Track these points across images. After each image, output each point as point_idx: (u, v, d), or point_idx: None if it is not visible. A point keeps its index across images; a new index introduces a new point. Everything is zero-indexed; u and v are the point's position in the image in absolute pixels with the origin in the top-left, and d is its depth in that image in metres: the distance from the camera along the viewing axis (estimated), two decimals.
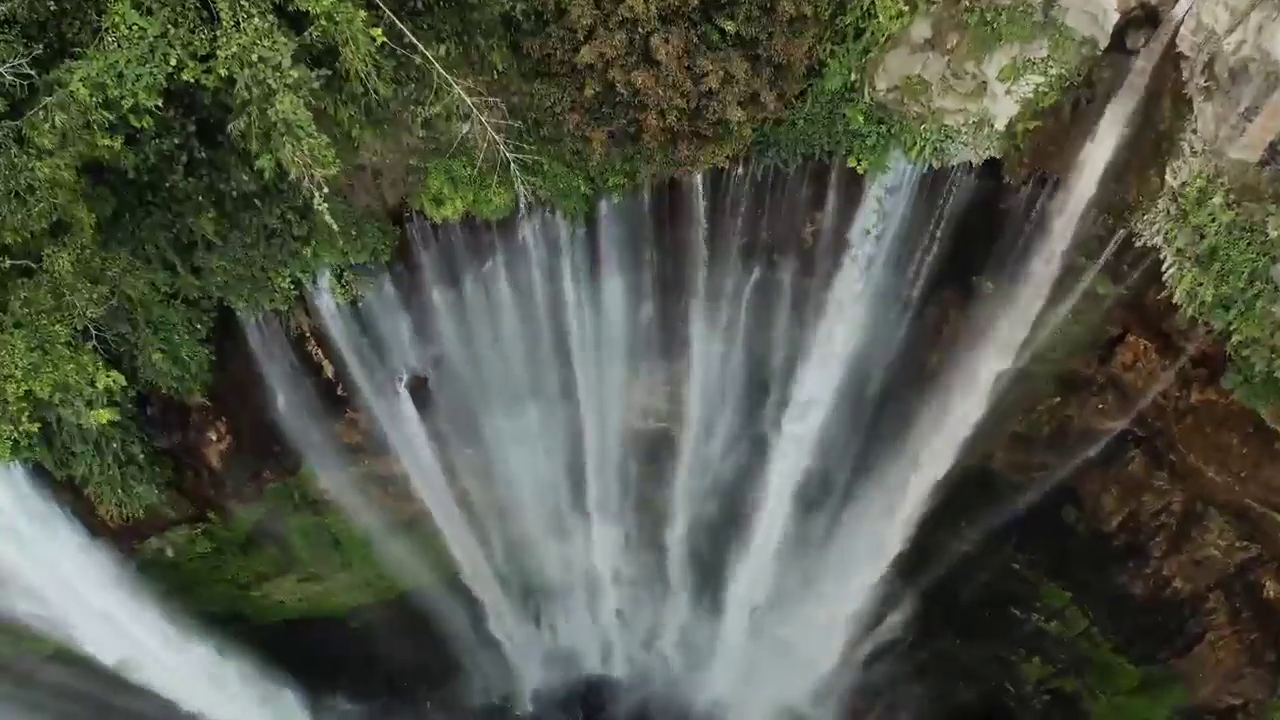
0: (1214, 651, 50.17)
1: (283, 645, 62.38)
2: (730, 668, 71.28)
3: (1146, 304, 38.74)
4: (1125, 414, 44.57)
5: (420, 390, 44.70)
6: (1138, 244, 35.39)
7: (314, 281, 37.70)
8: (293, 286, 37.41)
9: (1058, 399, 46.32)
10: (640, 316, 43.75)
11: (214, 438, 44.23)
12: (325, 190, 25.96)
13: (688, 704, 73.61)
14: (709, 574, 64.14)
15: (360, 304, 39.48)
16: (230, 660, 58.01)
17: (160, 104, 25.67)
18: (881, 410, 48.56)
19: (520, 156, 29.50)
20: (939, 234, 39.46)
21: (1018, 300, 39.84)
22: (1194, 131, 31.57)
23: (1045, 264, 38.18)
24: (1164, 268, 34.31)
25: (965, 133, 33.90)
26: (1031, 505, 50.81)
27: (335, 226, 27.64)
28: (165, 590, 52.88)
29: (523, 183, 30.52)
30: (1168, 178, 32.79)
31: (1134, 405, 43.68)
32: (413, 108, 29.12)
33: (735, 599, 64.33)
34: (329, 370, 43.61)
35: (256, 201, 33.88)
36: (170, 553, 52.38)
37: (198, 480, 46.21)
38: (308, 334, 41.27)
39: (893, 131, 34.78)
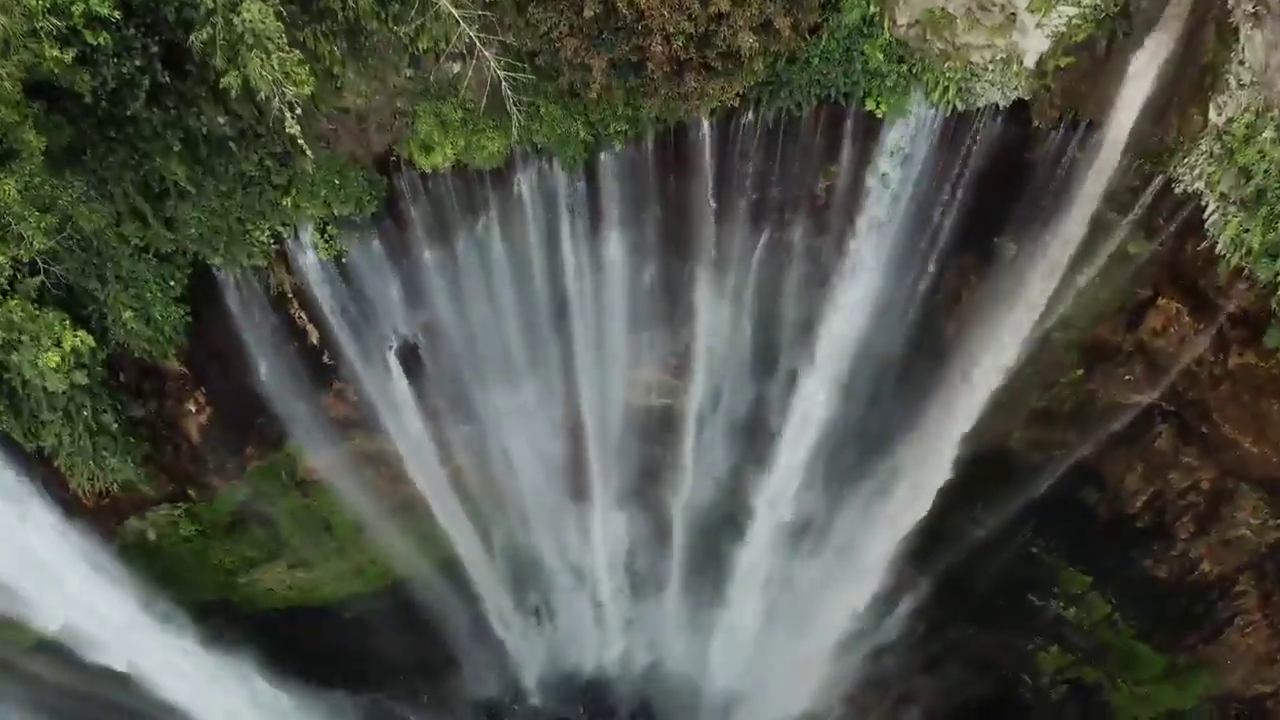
0: (1243, 637, 48.09)
1: (273, 636, 59.67)
2: (737, 659, 68.97)
3: (1182, 261, 36.69)
4: (1153, 385, 42.48)
5: (411, 359, 42.18)
6: (1177, 190, 33.14)
7: (295, 236, 35.42)
8: (272, 241, 35.12)
9: (1081, 371, 44.04)
10: (643, 281, 41.61)
11: (192, 408, 41.75)
12: (299, 112, 23.20)
13: (693, 697, 70.23)
14: (715, 560, 61.77)
15: (345, 261, 37.26)
16: (218, 651, 54.09)
17: (118, 16, 22.90)
18: (896, 385, 45.98)
19: (514, 77, 26.63)
20: (959, 190, 37.29)
21: (1042, 263, 37.47)
22: (1241, 63, 29.34)
23: (1073, 221, 35.77)
24: (1205, 214, 31.89)
25: (992, 71, 31.68)
26: (1051, 486, 48.49)
27: (309, 154, 25.24)
28: (149, 577, 49.96)
29: (516, 116, 27.62)
30: (1211, 115, 30.52)
31: (1164, 374, 41.52)
32: (396, 29, 26.26)
33: (741, 586, 61.84)
34: (314, 335, 41.16)
35: (232, 145, 31.48)
36: (152, 535, 49.95)
37: (176, 455, 43.72)
38: (290, 294, 38.95)
39: (914, 71, 32.66)
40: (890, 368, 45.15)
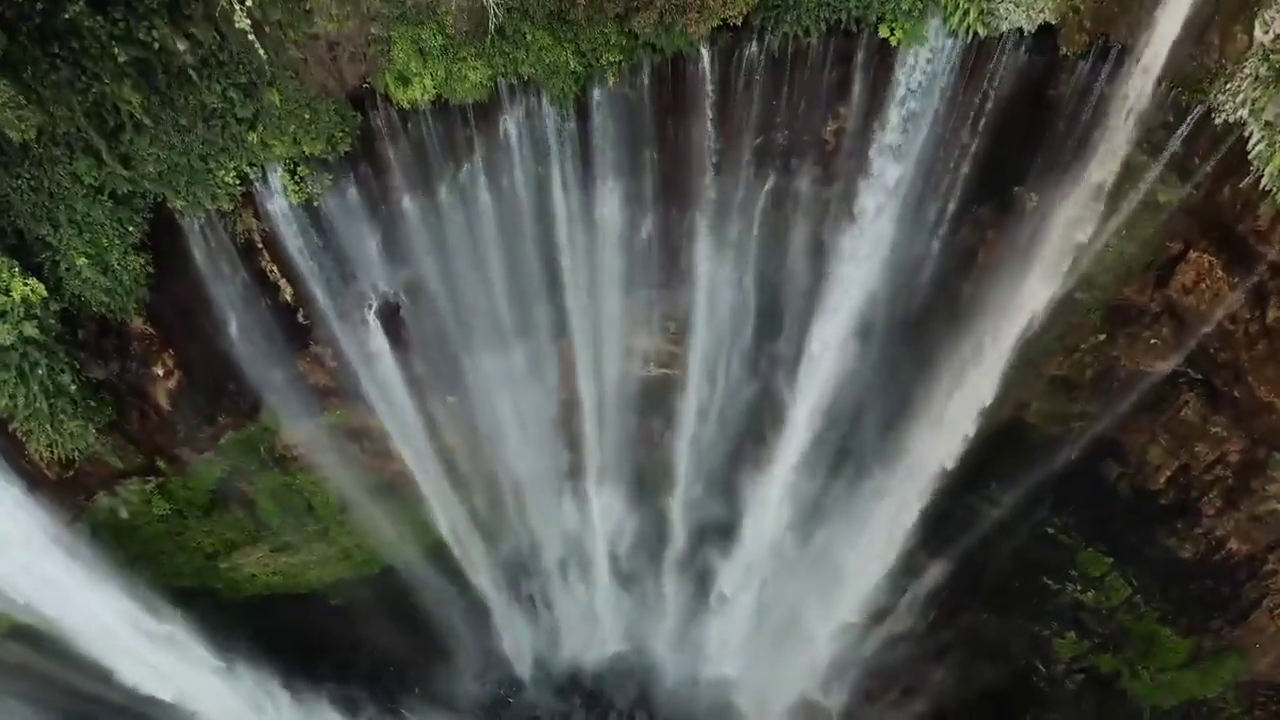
0: (1273, 619, 45.85)
1: (258, 624, 57.48)
2: (738, 646, 66.79)
3: (1218, 206, 34.27)
4: (1181, 348, 40.15)
5: (392, 320, 39.34)
6: (1217, 121, 30.58)
7: (263, 178, 32.81)
8: (238, 182, 32.46)
9: (1103, 336, 41.76)
10: (639, 235, 39.12)
11: (160, 372, 39.08)
12: (248, 3, 20.27)
13: (693, 686, 68.05)
14: (716, 544, 59.38)
15: (319, 207, 34.42)
16: (200, 638, 51.43)
17: None
18: (909, 353, 43.49)
19: None
20: (978, 133, 34.85)
21: (1064, 215, 35.41)
22: None
23: (1100, 166, 33.52)
24: (1250, 145, 28.84)
25: None
26: (1069, 461, 46.19)
27: (264, 53, 21.92)
28: (124, 559, 47.41)
29: (498, 19, 24.72)
30: (1257, 33, 28.21)
31: (1193, 335, 39.15)
32: None
33: (743, 571, 59.16)
34: (287, 292, 38.49)
35: (192, 74, 28.65)
36: (125, 514, 47.31)
37: (144, 423, 41.03)
38: (259, 244, 36.27)
39: None
40: (902, 334, 42.17)
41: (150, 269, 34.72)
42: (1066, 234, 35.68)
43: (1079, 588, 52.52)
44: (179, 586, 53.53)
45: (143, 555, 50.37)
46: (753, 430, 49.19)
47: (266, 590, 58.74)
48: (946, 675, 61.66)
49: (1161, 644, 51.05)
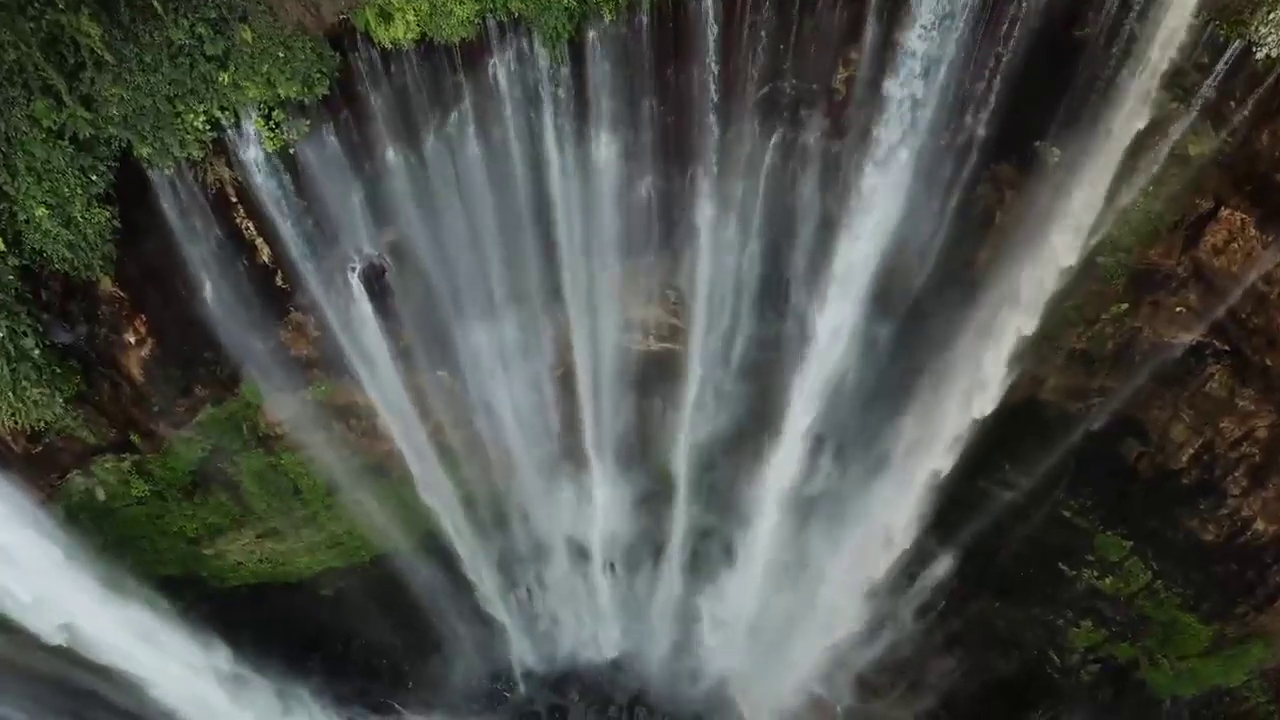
0: None
1: (246, 615, 55.71)
2: (740, 640, 64.55)
3: (1253, 156, 32.71)
4: (1208, 315, 38.49)
5: (377, 284, 36.95)
6: (1258, 56, 28.91)
7: (236, 124, 30.13)
8: (209, 127, 30.28)
9: (1125, 305, 39.98)
10: (638, 192, 37.02)
11: (131, 339, 36.83)
12: None
13: (693, 680, 66.43)
14: (719, 531, 57.47)
15: (296, 155, 32.22)
16: (186, 629, 49.85)
17: None
18: (918, 324, 41.59)
19: None
20: (996, 81, 32.80)
21: (1088, 171, 33.45)
22: None
23: (1127, 114, 31.60)
24: None
25: None
26: (1087, 440, 44.63)
27: None
28: (102, 543, 45.85)
29: None
30: None
31: (1222, 300, 37.42)
32: None
33: (747, 559, 57.79)
34: (264, 252, 36.32)
35: (157, 6, 26.17)
36: (101, 495, 45.24)
37: (116, 394, 38.91)
38: (233, 198, 34.01)
39: None
40: (914, 304, 39.87)
41: (116, 223, 32.63)
42: (1090, 192, 33.74)
43: (1096, 573, 50.69)
44: (163, 575, 51.30)
45: (123, 540, 48.19)
46: (759, 408, 46.60)
47: (254, 579, 56.93)
48: (955, 667, 60.03)
49: (1183, 631, 49.30)
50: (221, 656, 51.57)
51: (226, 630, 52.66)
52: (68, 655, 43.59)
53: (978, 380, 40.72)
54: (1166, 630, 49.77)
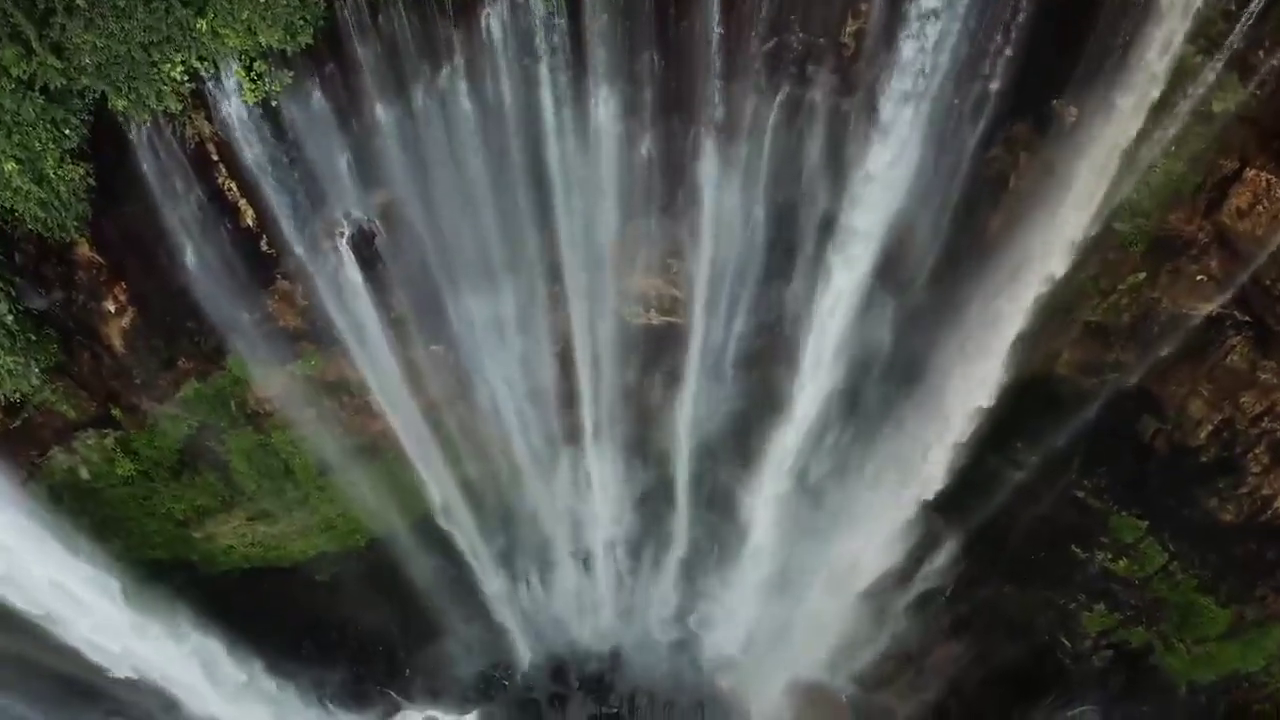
0: None
1: (238, 601, 54.34)
2: (742, 625, 63.61)
3: None
4: (1230, 283, 37.03)
5: (367, 250, 35.28)
6: None
7: (216, 76, 28.51)
8: (187, 78, 28.20)
9: (1143, 275, 38.60)
10: (638, 152, 35.47)
11: (111, 307, 35.38)
12: None
13: (695, 667, 65.23)
14: (723, 514, 56.33)
15: (279, 111, 30.62)
16: (170, 612, 48.53)
17: None
18: (928, 294, 40.50)
19: None
20: (1013, 34, 31.32)
21: (1107, 130, 32.01)
22: None
23: (1149, 68, 30.23)
24: None
25: None
26: (1101, 417, 43.25)
27: None
28: (88, 525, 44.48)
29: None
30: None
31: (1245, 266, 36.02)
32: None
33: (753, 542, 56.61)
34: (248, 215, 34.75)
35: None
36: (85, 474, 43.89)
37: (96, 366, 37.44)
38: (215, 157, 32.13)
39: None
40: (924, 271, 38.29)
41: (91, 181, 31.14)
42: (1108, 153, 32.32)
43: (1109, 556, 49.21)
44: (152, 559, 49.95)
45: (109, 522, 46.82)
46: (764, 385, 45.05)
47: (245, 563, 55.52)
48: (964, 653, 58.54)
49: (1200, 614, 47.90)
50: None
51: (218, 616, 51.24)
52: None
53: (990, 352, 38.39)
54: (1183, 614, 48.39)
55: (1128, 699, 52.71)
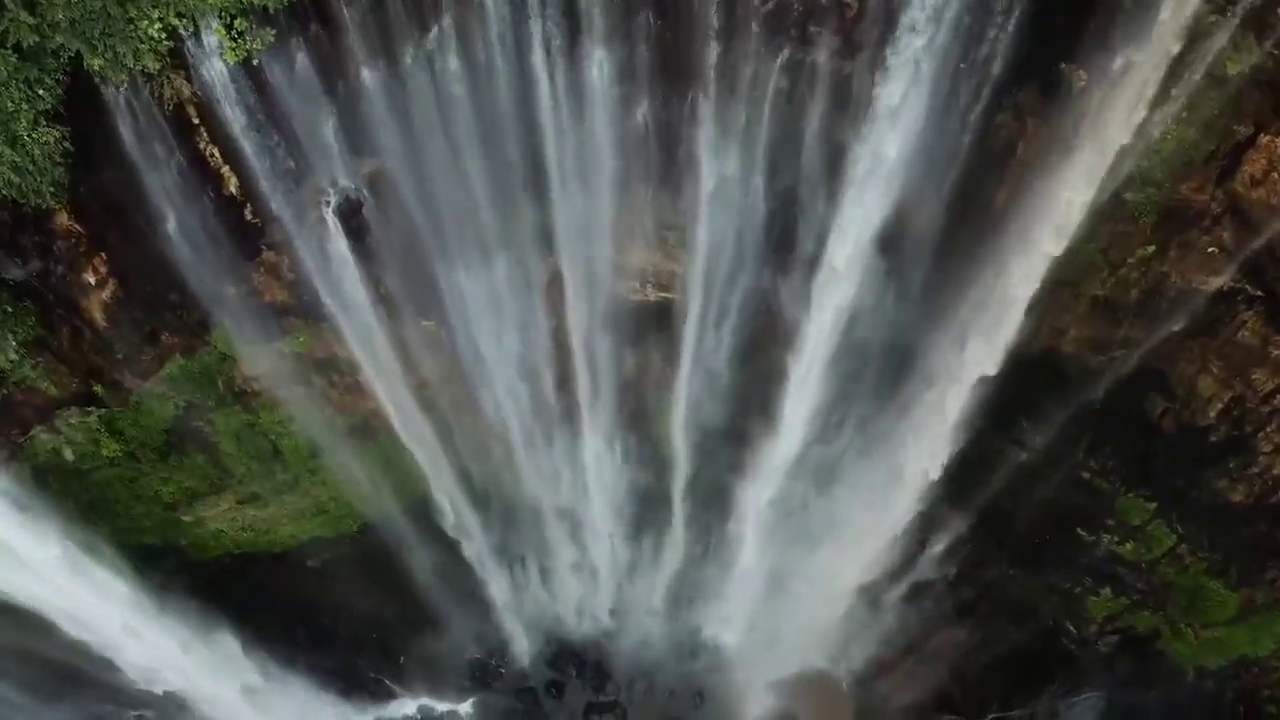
0: None
1: (229, 587, 53.36)
2: (740, 612, 62.88)
3: None
4: (1242, 254, 36.24)
5: (355, 220, 34.04)
6: None
7: (195, 35, 27.22)
8: (165, 36, 27.04)
9: (1153, 248, 37.55)
10: (634, 118, 34.50)
11: (91, 279, 34.40)
12: None
13: (695, 654, 64.58)
14: (721, 496, 54.99)
15: (261, 72, 29.35)
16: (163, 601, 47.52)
17: None
18: (935, 265, 39.31)
19: None
20: None
21: (1118, 96, 31.03)
22: None
23: (1163, 29, 29.12)
24: None
25: None
26: (1109, 396, 42.30)
27: None
28: (75, 508, 43.44)
29: None
30: None
31: (1258, 236, 35.16)
32: None
33: (751, 526, 55.50)
34: (232, 182, 33.54)
35: None
36: (70, 455, 42.83)
37: (76, 340, 36.46)
38: (195, 121, 31.00)
39: None
40: (930, 243, 37.19)
41: (68, 145, 30.00)
42: (1119, 119, 31.36)
43: (1116, 539, 48.35)
44: (141, 544, 49.06)
45: (96, 505, 45.76)
46: (764, 363, 43.90)
47: (236, 549, 54.62)
48: (967, 638, 57.71)
49: (1208, 598, 47.09)
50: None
51: (208, 602, 50.43)
52: None
53: (997, 325, 37.29)
54: (1191, 597, 47.62)
55: (1134, 685, 51.68)
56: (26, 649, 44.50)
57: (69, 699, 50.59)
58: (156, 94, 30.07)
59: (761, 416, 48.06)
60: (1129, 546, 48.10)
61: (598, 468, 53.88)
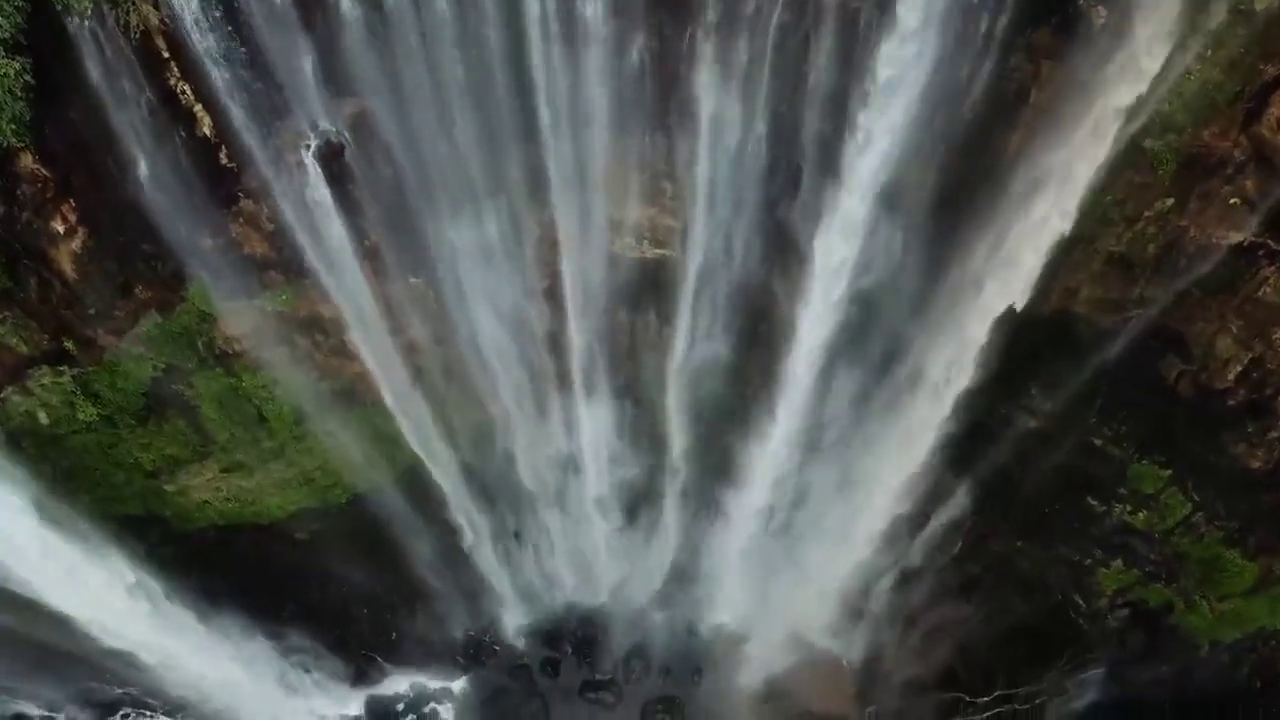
0: None
1: (215, 560, 51.91)
2: (740, 587, 61.51)
3: None
4: (1265, 205, 34.71)
5: (337, 165, 32.19)
6: None
7: None
8: None
9: (1171, 200, 36.11)
10: (629, 56, 32.93)
11: (60, 228, 32.54)
12: None
13: (693, 631, 63.58)
14: (719, 465, 53.76)
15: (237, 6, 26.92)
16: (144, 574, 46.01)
17: None
18: (943, 217, 37.97)
19: None
20: None
21: (1140, 31, 29.75)
22: None
23: None
24: None
25: None
26: (1122, 358, 41.08)
27: None
28: (51, 475, 42.07)
29: None
30: None
31: None
32: None
33: (750, 496, 54.31)
34: (205, 123, 31.70)
35: None
36: (44, 418, 41.16)
37: (45, 292, 34.89)
38: (165, 54, 29.07)
39: None
40: (938, 194, 35.66)
41: (29, 78, 28.14)
42: (1141, 58, 30.19)
43: (1128, 508, 46.92)
44: (122, 514, 47.39)
45: (74, 472, 44.23)
46: (764, 321, 42.08)
47: (221, 520, 52.91)
48: (972, 613, 56.15)
49: (1225, 568, 45.60)
50: None
51: (194, 575, 49.22)
52: None
53: (1007, 283, 35.57)
54: (1206, 569, 46.18)
55: (1145, 661, 50.13)
56: (7, 628, 42.68)
57: (52, 677, 48.21)
58: (122, 21, 28.04)
59: (765, 378, 45.99)
60: (1141, 516, 46.63)
61: (594, 434, 52.51)
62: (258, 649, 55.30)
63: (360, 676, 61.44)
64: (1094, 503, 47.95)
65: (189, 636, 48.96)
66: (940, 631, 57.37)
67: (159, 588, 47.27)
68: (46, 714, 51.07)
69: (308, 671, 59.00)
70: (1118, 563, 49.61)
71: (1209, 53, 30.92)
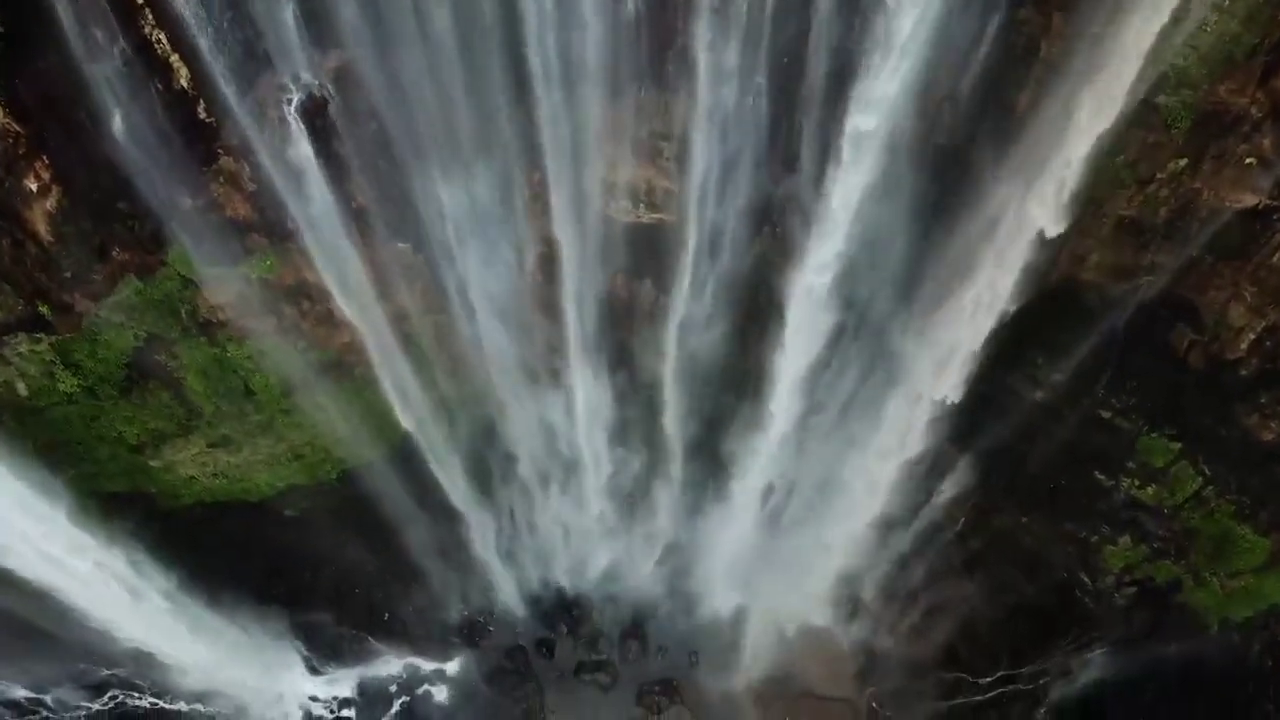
0: None
1: (203, 539, 50.49)
2: (739, 565, 60.25)
3: None
4: None
5: (320, 120, 30.73)
6: None
7: None
8: None
9: (1185, 161, 35.15)
10: (623, 7, 30.36)
11: (33, 186, 31.06)
12: None
13: (690, 610, 62.37)
14: (716, 441, 52.85)
15: None
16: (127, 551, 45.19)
17: None
18: (949, 179, 37.10)
19: None
20: None
21: None
22: None
23: None
24: None
25: None
26: (1132, 328, 40.30)
27: None
28: (32, 449, 40.69)
29: None
30: None
31: None
32: None
33: (748, 471, 53.30)
34: (182, 73, 30.15)
35: None
36: (23, 389, 40.17)
37: (18, 254, 33.50)
38: (140, 2, 27.11)
39: None
40: (944, 154, 34.26)
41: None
42: (1154, 11, 28.74)
43: (1137, 482, 45.81)
44: (108, 491, 46.64)
45: (55, 446, 43.02)
46: (764, 286, 40.82)
47: (209, 497, 51.71)
48: (975, 591, 55.03)
49: (1236, 544, 44.42)
50: None
51: (181, 553, 48.12)
52: None
53: (1015, 246, 34.35)
54: (1216, 544, 45.03)
55: (1152, 639, 48.84)
56: None
57: (42, 658, 47.15)
58: None
59: (765, 347, 45.11)
60: (1150, 490, 45.46)
61: (587, 405, 51.35)
62: (248, 629, 53.01)
63: (352, 657, 59.14)
64: (1101, 477, 46.76)
65: (180, 617, 47.19)
66: (942, 610, 56.56)
67: (149, 568, 45.31)
68: (33, 695, 49.24)
69: (299, 653, 56.98)
70: (1125, 539, 48.41)
71: (1226, 3, 30.00)
